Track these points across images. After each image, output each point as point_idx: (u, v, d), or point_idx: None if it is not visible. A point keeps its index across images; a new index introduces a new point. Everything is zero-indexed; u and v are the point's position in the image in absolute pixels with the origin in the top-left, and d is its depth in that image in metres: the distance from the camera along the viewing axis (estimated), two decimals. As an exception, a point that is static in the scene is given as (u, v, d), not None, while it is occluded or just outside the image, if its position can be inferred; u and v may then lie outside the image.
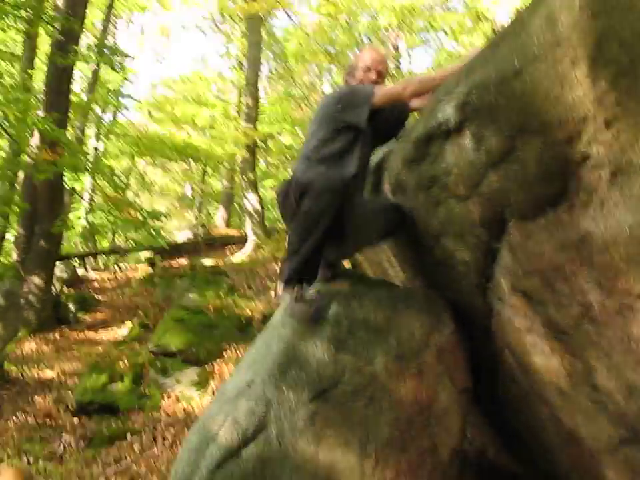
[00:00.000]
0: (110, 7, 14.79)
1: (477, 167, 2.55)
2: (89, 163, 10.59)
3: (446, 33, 13.33)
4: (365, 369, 3.03)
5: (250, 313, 7.14)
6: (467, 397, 3.37)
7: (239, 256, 12.72)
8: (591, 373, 2.53)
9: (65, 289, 12.49)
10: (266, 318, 6.88)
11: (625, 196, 2.03)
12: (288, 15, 16.21)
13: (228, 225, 19.71)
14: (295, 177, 3.33)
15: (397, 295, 3.40)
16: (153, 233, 9.21)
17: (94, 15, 15.06)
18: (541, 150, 2.19)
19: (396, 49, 16.67)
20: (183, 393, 6.66)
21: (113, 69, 10.54)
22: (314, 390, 2.96)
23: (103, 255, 16.26)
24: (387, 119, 3.67)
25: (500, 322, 3.17)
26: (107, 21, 15.43)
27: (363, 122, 3.39)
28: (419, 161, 3.01)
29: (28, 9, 8.86)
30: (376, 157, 3.84)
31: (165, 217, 9.54)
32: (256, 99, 14.59)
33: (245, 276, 9.60)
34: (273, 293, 8.12)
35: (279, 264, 9.86)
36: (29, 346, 9.55)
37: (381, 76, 3.80)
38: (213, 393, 6.39)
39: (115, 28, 18.71)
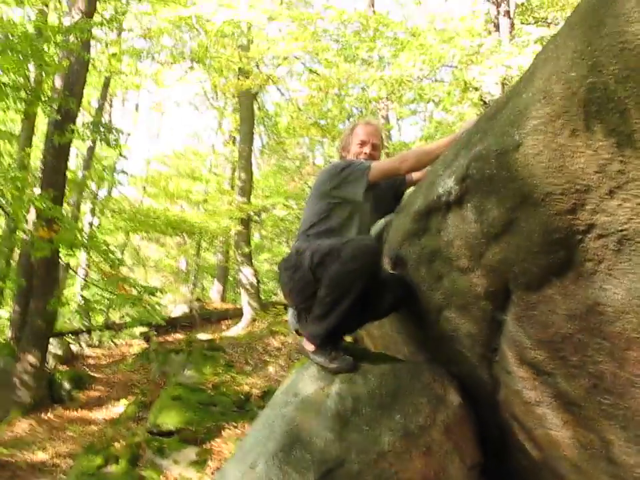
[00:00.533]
0: (106, 85, 15.10)
1: (479, 239, 2.54)
2: (84, 240, 10.58)
3: (435, 103, 13.56)
4: (371, 448, 2.94)
5: (249, 389, 7.01)
6: (477, 472, 3.27)
7: (235, 330, 12.60)
8: (607, 446, 2.45)
9: (59, 367, 12.31)
10: (265, 394, 6.75)
11: (633, 264, 2.01)
12: (279, 90, 16.55)
13: (223, 298, 19.62)
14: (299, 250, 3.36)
15: (402, 369, 3.33)
16: (149, 308, 9.15)
17: (90, 94, 15.36)
18: (544, 221, 2.18)
19: (386, 120, 16.93)
20: (182, 475, 6.44)
21: (109, 145, 10.66)
22: (319, 471, 2.86)
23: (98, 331, 16.10)
24: (385, 192, 3.69)
25: (507, 394, 3.11)
26: (102, 99, 15.74)
27: (359, 197, 3.41)
28: (419, 234, 3.01)
29: (27, 90, 9.02)
30: (374, 230, 3.85)
31: (161, 292, 9.49)
32: (249, 172, 14.75)
33: (243, 351, 9.47)
34: (271, 368, 8.00)
35: (277, 337, 9.79)
36: (22, 427, 9.32)
37: (376, 148, 3.86)
38: (212, 473, 6.20)
39: (110, 106, 19.03)
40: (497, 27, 11.59)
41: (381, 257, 3.40)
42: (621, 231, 1.97)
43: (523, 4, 13.51)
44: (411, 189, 3.98)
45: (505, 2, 11.76)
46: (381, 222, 3.83)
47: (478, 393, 3.39)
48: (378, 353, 3.84)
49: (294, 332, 3.80)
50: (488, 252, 2.53)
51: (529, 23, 13.18)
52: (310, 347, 3.35)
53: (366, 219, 3.65)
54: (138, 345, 14.71)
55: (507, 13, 11.81)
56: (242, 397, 6.79)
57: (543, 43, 11.68)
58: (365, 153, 3.78)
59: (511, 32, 11.42)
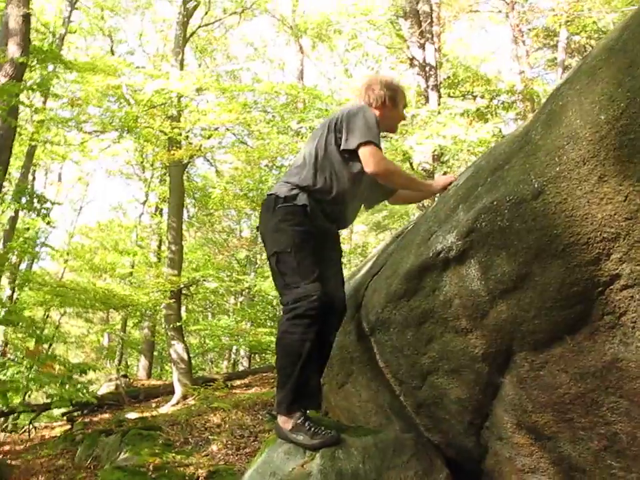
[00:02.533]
0: (30, 155, 14.69)
1: (483, 297, 2.41)
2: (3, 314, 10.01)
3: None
4: (359, 529, 2.73)
5: (194, 470, 6.59)
6: None
7: (167, 408, 12.06)
8: (613, 515, 2.32)
9: (-29, 457, 11.42)
10: (212, 474, 6.34)
11: (662, 315, 1.92)
12: (209, 161, 16.48)
13: (149, 375, 18.94)
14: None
15: (385, 442, 3.12)
16: (80, 387, 8.65)
17: (12, 164, 14.90)
18: (562, 273, 2.07)
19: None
20: None
21: (38, 215, 10.24)
22: None
23: (16, 414, 15.14)
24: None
25: (497, 463, 2.96)
26: (26, 169, 15.27)
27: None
28: (408, 296, 2.86)
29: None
30: (348, 289, 3.70)
31: (93, 370, 9.00)
32: (180, 244, 14.45)
33: (181, 429, 8.99)
34: (214, 446, 7.61)
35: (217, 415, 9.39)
36: None
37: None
38: None
39: (34, 177, 18.54)
40: (427, 99, 11.94)
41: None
42: (652, 280, 1.89)
43: (449, 77, 14.02)
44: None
45: (433, 76, 12.16)
46: (356, 282, 3.69)
47: (461, 463, 3.23)
48: (356, 426, 3.62)
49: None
50: (492, 310, 2.41)
51: (457, 97, 13.66)
52: (287, 426, 3.10)
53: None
54: (60, 427, 13.86)
55: (435, 86, 12.20)
56: (187, 478, 6.38)
57: (468, 115, 12.10)
58: (394, 130, 3.80)
59: (438, 104, 11.76)
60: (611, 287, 2.01)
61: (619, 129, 1.80)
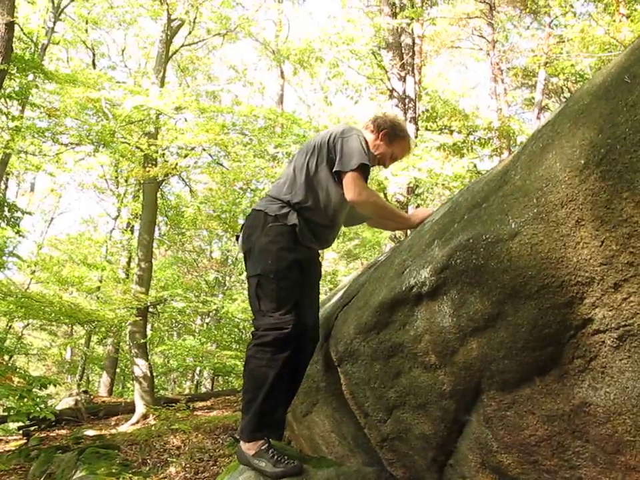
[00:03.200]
0: (4, 163, 14.49)
1: (454, 334, 2.40)
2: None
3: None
4: None
5: (150, 493, 6.48)
6: None
7: (127, 426, 11.85)
8: None
9: None
10: (169, 498, 6.22)
11: (633, 361, 1.91)
12: (183, 180, 16.39)
13: (110, 392, 18.63)
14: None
15: (347, 475, 3.09)
16: (38, 401, 8.44)
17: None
18: (535, 315, 2.07)
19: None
20: None
21: (8, 224, 10.09)
22: None
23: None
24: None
25: (459, 503, 2.93)
26: (-2, 177, 15.09)
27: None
28: (379, 328, 2.84)
29: None
30: (321, 316, 3.67)
31: (53, 384, 8.81)
32: (149, 262, 14.30)
33: (140, 449, 8.81)
34: (172, 469, 7.46)
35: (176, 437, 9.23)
36: None
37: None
38: None
39: (6, 186, 18.31)
40: (404, 131, 12.01)
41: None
42: (625, 326, 1.88)
43: (427, 110, 14.16)
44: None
45: (412, 109, 12.27)
46: (326, 312, 3.66)
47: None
48: (319, 457, 3.57)
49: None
50: (462, 348, 2.39)
51: (434, 130, 13.78)
52: (250, 452, 3.05)
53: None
54: (15, 442, 13.53)
55: (413, 119, 12.31)
56: (143, 501, 6.25)
57: (445, 149, 12.23)
58: (384, 160, 3.69)
59: (416, 137, 11.86)
60: (583, 330, 2.01)
61: (598, 174, 1.80)
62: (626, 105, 1.76)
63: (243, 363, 3.25)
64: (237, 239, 3.59)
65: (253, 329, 3.24)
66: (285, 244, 3.19)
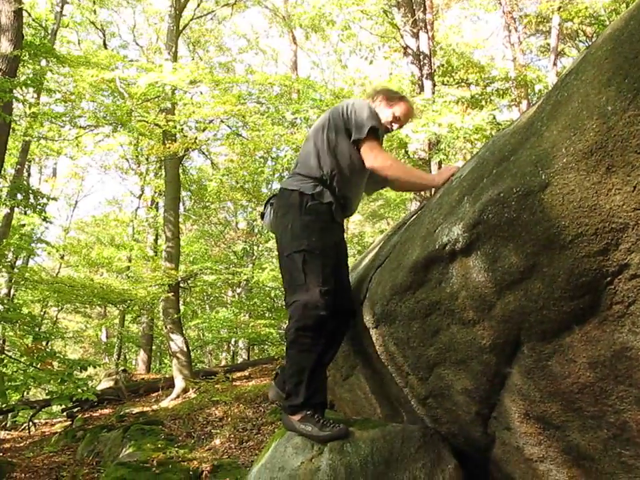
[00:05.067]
0: (24, 151, 14.61)
1: (490, 289, 2.40)
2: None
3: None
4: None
5: (197, 465, 6.59)
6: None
7: (168, 402, 12.04)
8: (625, 502, 2.33)
9: (-33, 454, 11.33)
10: (216, 468, 6.34)
11: (670, 303, 1.92)
12: (204, 154, 16.41)
13: (149, 369, 18.93)
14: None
15: (392, 434, 3.12)
16: (80, 383, 8.61)
17: (6, 160, 14.84)
18: (570, 264, 2.06)
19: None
20: None
21: (34, 211, 10.21)
22: None
23: (15, 411, 15.10)
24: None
25: (504, 452, 2.96)
26: (21, 165, 15.20)
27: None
28: (414, 288, 2.85)
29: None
30: (353, 279, 3.72)
31: (93, 366, 8.96)
32: (177, 238, 14.39)
33: (183, 423, 8.97)
34: (217, 440, 7.59)
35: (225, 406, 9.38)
36: None
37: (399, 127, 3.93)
38: None
39: (29, 174, 18.46)
40: (422, 87, 11.91)
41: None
42: (662, 269, 1.89)
43: (443, 65, 13.98)
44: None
45: (427, 65, 12.12)
46: (359, 275, 3.69)
47: (469, 452, 3.23)
48: (363, 419, 3.63)
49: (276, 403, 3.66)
50: (500, 302, 2.40)
51: (451, 85, 13.63)
52: (296, 417, 3.14)
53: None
54: (60, 424, 13.82)
55: (429, 75, 12.16)
56: (191, 473, 6.37)
57: (463, 102, 12.07)
58: (390, 127, 3.78)
59: (433, 92, 11.73)
60: (620, 276, 2.00)
61: (626, 119, 1.79)
62: (651, 46, 1.74)
63: (283, 337, 3.41)
64: (262, 217, 3.69)
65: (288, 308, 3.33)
66: (325, 223, 3.34)
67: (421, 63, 12.13)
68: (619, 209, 1.89)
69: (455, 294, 2.61)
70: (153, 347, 21.24)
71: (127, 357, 24.79)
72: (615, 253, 1.97)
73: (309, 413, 3.10)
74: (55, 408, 14.40)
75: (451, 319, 2.71)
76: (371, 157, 3.37)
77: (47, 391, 14.21)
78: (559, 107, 2.06)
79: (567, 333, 2.26)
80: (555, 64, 17.09)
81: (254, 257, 20.89)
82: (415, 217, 3.37)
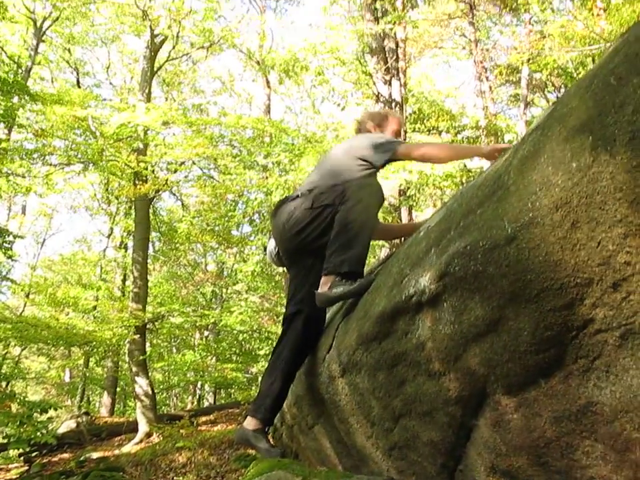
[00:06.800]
0: (-8, 188, 14.49)
1: (456, 340, 2.39)
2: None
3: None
4: None
5: (158, 512, 6.42)
6: None
7: (130, 446, 11.78)
8: None
9: None
10: (178, 516, 6.18)
11: (637, 359, 1.91)
12: (175, 195, 16.40)
13: (112, 411, 18.54)
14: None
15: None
16: (39, 426, 8.40)
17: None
18: (536, 318, 2.06)
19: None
20: None
21: (0, 249, 10.06)
22: None
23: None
24: None
25: (470, 506, 2.92)
26: (-13, 203, 15.08)
27: (380, 163, 3.76)
28: (381, 338, 2.84)
29: None
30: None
31: (54, 408, 8.75)
32: (145, 279, 14.26)
33: (145, 469, 8.78)
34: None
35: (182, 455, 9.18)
36: None
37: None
38: None
39: (-4, 211, 18.27)
40: (393, 134, 12.03)
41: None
42: (626, 325, 1.88)
43: (414, 112, 14.19)
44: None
45: (399, 112, 12.28)
46: (326, 322, 3.68)
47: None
48: (328, 470, 3.57)
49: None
50: (466, 354, 2.39)
51: (423, 132, 13.83)
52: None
53: None
54: (16, 469, 13.39)
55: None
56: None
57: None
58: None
59: (405, 139, 11.89)
60: (585, 331, 2.00)
61: (590, 176, 1.81)
62: (614, 107, 1.77)
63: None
64: None
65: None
66: None
67: (393, 109, 12.29)
68: (584, 264, 1.90)
69: (421, 345, 2.59)
70: (118, 389, 20.86)
71: (91, 399, 24.31)
72: (580, 308, 1.97)
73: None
74: (12, 452, 13.97)
75: (417, 370, 2.69)
76: (411, 149, 3.94)
77: (3, 434, 13.82)
78: (525, 161, 2.09)
79: (532, 386, 2.24)
80: (524, 113, 17.47)
81: (222, 300, 20.76)
82: (382, 266, 3.37)
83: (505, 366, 2.26)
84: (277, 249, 3.99)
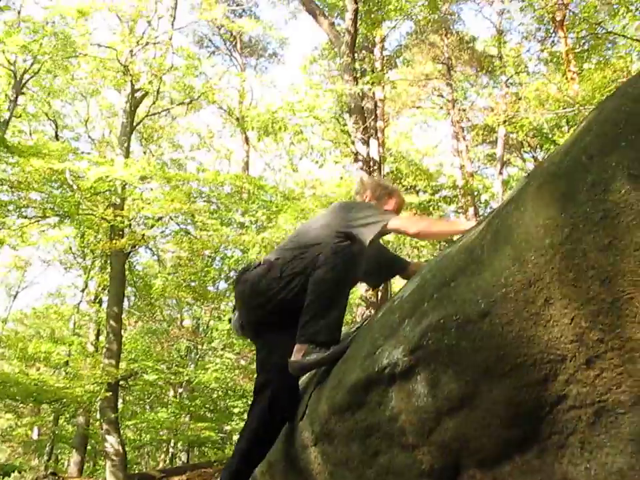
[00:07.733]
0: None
1: (430, 414, 2.36)
2: None
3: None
4: None
5: None
6: None
7: (98, 508, 11.47)
8: None
9: None
10: None
11: (610, 437, 1.89)
12: (151, 250, 16.33)
13: (81, 471, 18.01)
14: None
15: None
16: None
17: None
18: (509, 393, 2.04)
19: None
20: None
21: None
22: None
23: None
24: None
25: None
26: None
27: (366, 241, 3.51)
28: (353, 409, 2.79)
29: None
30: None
31: (19, 471, 8.48)
32: (119, 334, 14.08)
33: (113, 534, 8.50)
34: None
35: None
36: None
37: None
38: None
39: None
40: (370, 193, 12.12)
41: None
42: (599, 402, 1.87)
43: (392, 171, 14.36)
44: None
45: (377, 171, 12.43)
46: (300, 389, 3.62)
47: None
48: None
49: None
50: (439, 427, 2.35)
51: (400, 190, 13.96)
52: (299, 354, 3.30)
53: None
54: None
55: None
56: None
57: (411, 208, 12.35)
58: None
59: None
60: (558, 407, 1.98)
61: (563, 253, 1.81)
62: (586, 184, 1.79)
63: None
64: None
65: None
66: None
67: (371, 168, 12.42)
68: (557, 340, 1.89)
69: (395, 417, 2.55)
70: (88, 447, 20.32)
71: (59, 457, 23.66)
72: (554, 384, 1.95)
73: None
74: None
75: (390, 442, 2.64)
76: (403, 223, 3.73)
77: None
78: (498, 236, 2.10)
79: (507, 461, 2.21)
80: (500, 172, 17.75)
81: (197, 356, 20.52)
82: (357, 331, 3.35)
83: (479, 440, 2.23)
84: (240, 321, 3.74)
